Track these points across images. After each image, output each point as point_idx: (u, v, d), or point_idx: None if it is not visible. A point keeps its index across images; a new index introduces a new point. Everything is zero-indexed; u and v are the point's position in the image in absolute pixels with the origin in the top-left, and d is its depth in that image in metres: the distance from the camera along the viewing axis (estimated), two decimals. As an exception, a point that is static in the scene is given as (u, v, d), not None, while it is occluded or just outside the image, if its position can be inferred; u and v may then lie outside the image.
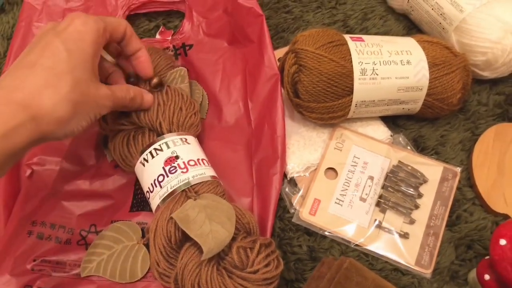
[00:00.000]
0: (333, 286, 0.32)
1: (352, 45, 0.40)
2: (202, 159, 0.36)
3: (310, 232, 0.39)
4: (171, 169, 0.35)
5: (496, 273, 0.33)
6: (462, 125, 0.44)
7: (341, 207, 0.39)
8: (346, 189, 0.40)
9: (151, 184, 0.35)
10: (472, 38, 0.43)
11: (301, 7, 0.52)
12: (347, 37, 0.41)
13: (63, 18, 0.50)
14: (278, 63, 0.42)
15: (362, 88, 0.39)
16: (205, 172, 0.36)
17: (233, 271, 0.31)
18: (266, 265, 0.32)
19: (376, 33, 0.50)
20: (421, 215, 0.39)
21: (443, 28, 0.45)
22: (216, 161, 0.39)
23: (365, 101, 0.40)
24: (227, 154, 0.41)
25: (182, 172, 0.35)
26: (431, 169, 0.41)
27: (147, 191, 0.36)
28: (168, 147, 0.36)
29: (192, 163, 0.35)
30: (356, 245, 0.38)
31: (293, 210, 0.40)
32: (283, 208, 0.40)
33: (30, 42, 0.33)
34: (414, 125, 0.44)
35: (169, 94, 0.38)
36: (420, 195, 0.40)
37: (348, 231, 0.38)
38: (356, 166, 0.41)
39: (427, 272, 0.37)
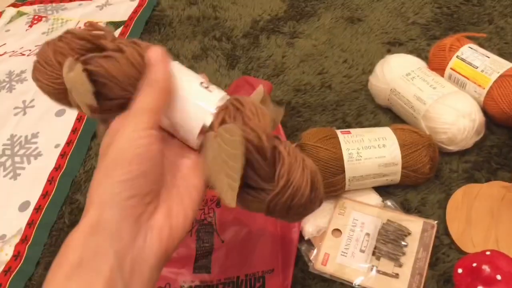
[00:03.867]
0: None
1: (341, 137, 0.55)
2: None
3: (324, 279, 0.52)
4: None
5: (459, 295, 0.44)
6: (438, 189, 0.56)
7: (346, 258, 0.52)
8: (349, 244, 0.53)
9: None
10: (435, 122, 0.57)
11: (310, 111, 0.69)
12: (338, 131, 0.56)
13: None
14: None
15: (351, 167, 0.54)
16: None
17: None
18: None
19: (368, 125, 0.65)
20: (408, 259, 0.51)
21: (415, 117, 0.59)
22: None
23: (355, 176, 0.54)
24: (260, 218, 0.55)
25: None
26: (414, 224, 0.53)
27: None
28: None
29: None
30: (359, 285, 0.50)
31: (310, 263, 0.53)
32: (303, 262, 0.53)
33: None
34: (400, 191, 0.57)
35: None
36: (406, 245, 0.52)
37: (352, 276, 0.51)
38: (355, 226, 0.54)
39: (415, 303, 0.48)
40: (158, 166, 0.32)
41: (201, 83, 0.37)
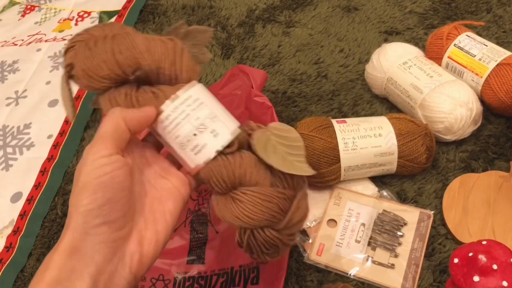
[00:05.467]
0: (330, 301, 0.44)
1: (337, 126, 0.54)
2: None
3: (319, 269, 0.51)
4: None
5: (455, 284, 0.43)
6: (435, 179, 0.56)
7: (341, 248, 0.51)
8: (344, 234, 0.52)
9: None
10: (432, 112, 0.56)
11: (305, 101, 0.68)
12: (333, 121, 0.55)
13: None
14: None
15: (346, 157, 0.53)
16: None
17: None
18: None
19: (365, 115, 0.64)
20: (404, 250, 0.50)
21: (411, 106, 0.59)
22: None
23: (351, 166, 0.53)
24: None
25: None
26: (410, 214, 0.52)
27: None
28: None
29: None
30: (354, 275, 0.49)
31: (305, 254, 0.52)
32: (298, 253, 0.53)
33: None
34: (397, 181, 0.56)
35: None
36: (402, 235, 0.51)
37: (347, 266, 0.50)
38: (351, 216, 0.54)
39: (411, 293, 0.47)
40: (125, 191, 0.31)
41: (198, 128, 0.36)
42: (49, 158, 0.69)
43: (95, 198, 0.30)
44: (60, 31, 0.93)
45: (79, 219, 0.29)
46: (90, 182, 0.30)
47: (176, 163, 0.38)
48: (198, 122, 0.35)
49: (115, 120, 0.33)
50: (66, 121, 0.74)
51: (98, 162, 0.30)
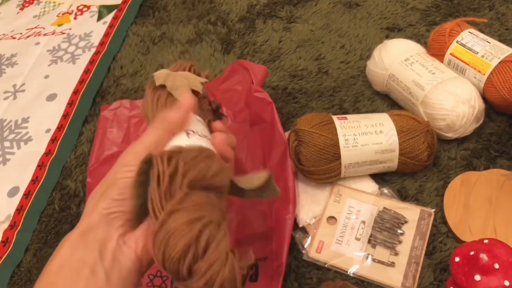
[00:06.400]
0: (329, 299, 0.43)
1: (337, 123, 0.54)
2: None
3: (318, 267, 0.50)
4: None
5: (456, 283, 0.43)
6: (436, 176, 0.55)
7: (341, 246, 0.51)
8: (344, 232, 0.52)
9: None
10: (433, 109, 0.55)
11: (306, 97, 0.67)
12: (334, 117, 0.55)
13: (128, 124, 0.67)
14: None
15: (347, 154, 0.52)
16: None
17: None
18: None
19: (366, 112, 0.64)
20: (404, 248, 0.50)
21: (413, 103, 0.58)
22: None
23: (351, 163, 0.53)
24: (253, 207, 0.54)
25: None
26: (410, 212, 0.52)
27: None
28: None
29: None
30: (354, 273, 0.49)
31: (304, 251, 0.52)
32: (297, 250, 0.52)
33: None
34: (398, 179, 0.56)
35: None
36: (402, 233, 0.51)
37: (347, 264, 0.50)
38: (351, 213, 0.53)
39: (411, 292, 0.47)
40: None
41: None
42: (47, 153, 0.69)
43: (121, 192, 0.34)
44: (59, 25, 0.92)
45: (101, 205, 0.34)
46: (120, 180, 0.35)
47: None
48: None
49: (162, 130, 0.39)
50: (64, 116, 0.74)
51: (129, 168, 0.35)
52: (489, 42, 0.59)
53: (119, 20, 0.89)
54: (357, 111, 0.64)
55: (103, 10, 0.93)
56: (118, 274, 0.32)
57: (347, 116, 0.55)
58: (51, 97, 0.77)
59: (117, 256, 0.33)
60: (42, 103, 0.77)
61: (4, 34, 0.92)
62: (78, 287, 0.30)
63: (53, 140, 0.71)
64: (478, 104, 0.55)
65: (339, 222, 0.53)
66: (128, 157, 0.36)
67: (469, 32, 0.61)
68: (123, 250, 0.33)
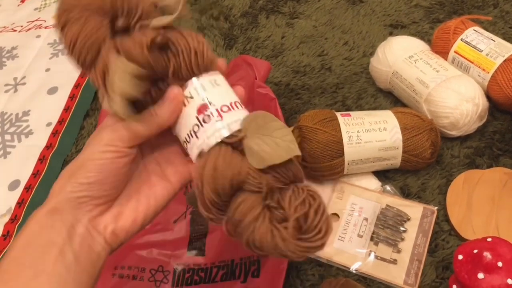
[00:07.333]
0: (332, 296, 0.43)
1: (341, 119, 0.54)
2: (235, 102, 0.35)
3: (320, 264, 0.50)
4: (205, 118, 0.33)
5: (459, 281, 0.43)
6: (439, 174, 0.55)
7: (343, 243, 0.51)
8: (347, 229, 0.52)
9: (188, 135, 0.34)
10: (437, 106, 0.55)
11: (309, 93, 0.67)
12: (338, 114, 0.55)
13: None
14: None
15: (350, 151, 0.52)
16: (240, 117, 0.34)
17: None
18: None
19: (369, 109, 0.64)
20: (407, 245, 0.50)
21: (416, 101, 0.58)
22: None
23: (354, 160, 0.53)
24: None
25: (217, 120, 0.33)
26: (413, 209, 0.52)
27: (184, 141, 0.35)
28: (198, 94, 0.34)
29: (225, 109, 0.34)
30: (356, 270, 0.49)
31: (306, 247, 0.52)
32: (299, 247, 0.52)
33: None
34: (400, 176, 0.56)
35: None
36: (405, 230, 0.51)
37: (349, 261, 0.49)
38: (353, 211, 0.53)
39: (413, 289, 0.47)
40: (118, 175, 0.34)
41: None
42: (48, 146, 0.69)
43: (88, 176, 0.33)
44: (60, 18, 0.91)
45: (67, 188, 0.33)
46: (89, 162, 0.33)
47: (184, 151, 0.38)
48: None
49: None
50: (66, 109, 0.73)
51: (102, 149, 0.34)
52: (494, 40, 0.58)
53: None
54: (360, 108, 0.64)
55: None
56: (87, 257, 0.33)
57: (351, 113, 0.55)
58: (52, 90, 0.77)
59: (87, 240, 0.33)
60: (43, 96, 0.76)
61: (4, 27, 0.92)
62: (47, 267, 0.30)
63: (54, 133, 0.70)
64: (482, 102, 0.55)
65: (342, 219, 0.53)
66: (104, 137, 0.34)
67: (474, 30, 0.61)
68: (93, 235, 0.33)
